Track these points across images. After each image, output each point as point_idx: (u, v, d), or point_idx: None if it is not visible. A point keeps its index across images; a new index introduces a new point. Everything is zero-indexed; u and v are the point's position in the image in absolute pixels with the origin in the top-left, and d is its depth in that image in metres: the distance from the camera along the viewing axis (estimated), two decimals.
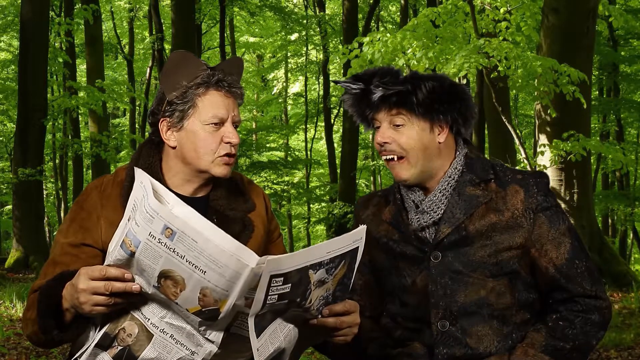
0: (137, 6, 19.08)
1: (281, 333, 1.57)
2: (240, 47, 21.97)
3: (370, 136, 18.75)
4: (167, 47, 17.13)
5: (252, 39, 22.66)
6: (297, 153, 21.97)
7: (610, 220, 18.79)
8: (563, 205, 7.11)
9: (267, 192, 15.06)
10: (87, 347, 1.61)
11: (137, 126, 18.61)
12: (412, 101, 1.86)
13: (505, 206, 1.89)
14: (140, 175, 1.56)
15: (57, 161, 17.17)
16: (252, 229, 1.90)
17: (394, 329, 1.98)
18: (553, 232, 1.88)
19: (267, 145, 21.53)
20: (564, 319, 1.86)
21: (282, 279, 1.44)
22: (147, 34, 19.54)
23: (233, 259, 1.42)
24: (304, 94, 20.99)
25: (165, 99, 1.82)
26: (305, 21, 19.06)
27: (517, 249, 1.87)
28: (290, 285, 1.46)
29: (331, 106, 18.71)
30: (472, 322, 1.87)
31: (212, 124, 1.80)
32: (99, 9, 13.68)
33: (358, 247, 1.58)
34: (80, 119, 16.84)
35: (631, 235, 17.87)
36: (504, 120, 7.39)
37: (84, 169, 17.52)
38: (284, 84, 22.24)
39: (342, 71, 14.61)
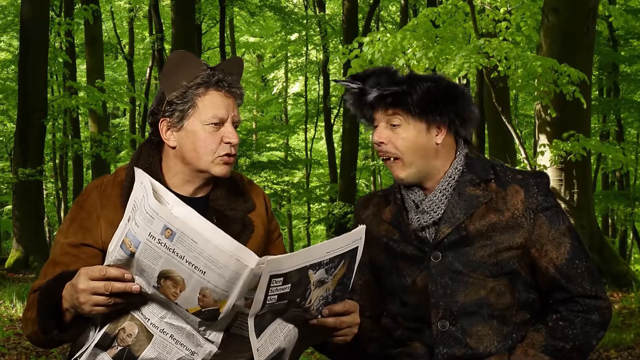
0: (137, 6, 19.08)
1: (281, 333, 1.57)
2: (240, 47, 21.97)
3: (370, 136, 18.65)
4: (167, 47, 17.13)
5: (252, 39, 22.66)
6: (297, 153, 21.97)
7: (610, 220, 18.79)
8: (563, 205, 7.11)
9: (267, 192, 15.06)
10: (87, 347, 1.61)
11: (137, 126, 18.62)
12: (408, 102, 1.86)
13: (506, 206, 1.89)
14: (140, 175, 1.56)
15: (57, 161, 17.17)
16: (252, 229, 1.90)
17: (394, 329, 1.98)
18: (553, 232, 1.88)
19: (267, 145, 21.53)
20: (564, 319, 1.86)
21: (281, 279, 1.44)
22: (147, 34, 19.54)
23: (232, 260, 1.42)
24: (304, 94, 21.00)
25: (165, 99, 1.82)
26: (305, 21, 19.07)
27: (517, 249, 1.87)
28: (290, 285, 1.46)
29: (331, 106, 18.71)
30: (472, 322, 1.87)
31: (212, 124, 1.80)
32: (99, 9, 13.68)
33: (357, 247, 1.58)
34: (80, 119, 16.84)
35: (631, 235, 17.88)
36: (504, 120, 7.39)
37: (84, 169, 17.52)
38: (284, 84, 22.24)
39: (342, 71, 14.60)
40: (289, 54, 21.49)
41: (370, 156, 19.69)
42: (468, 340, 1.86)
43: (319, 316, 1.60)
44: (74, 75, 15.17)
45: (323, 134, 19.54)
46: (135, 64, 20.07)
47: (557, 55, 7.02)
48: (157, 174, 1.84)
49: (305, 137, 20.35)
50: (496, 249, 1.87)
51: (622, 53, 16.09)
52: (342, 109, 17.43)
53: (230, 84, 1.82)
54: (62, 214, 17.46)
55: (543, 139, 7.52)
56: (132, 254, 1.49)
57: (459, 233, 1.88)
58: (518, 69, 6.52)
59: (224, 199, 1.89)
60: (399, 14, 18.51)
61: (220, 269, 1.42)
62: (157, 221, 1.44)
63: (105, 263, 1.58)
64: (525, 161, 7.16)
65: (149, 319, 1.58)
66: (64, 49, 14.31)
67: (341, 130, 18.17)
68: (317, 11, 18.87)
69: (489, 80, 6.97)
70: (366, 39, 6.85)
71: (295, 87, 22.77)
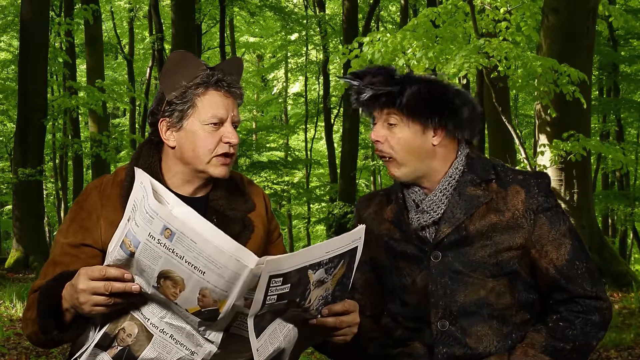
0: (137, 6, 19.09)
1: (281, 333, 1.57)
2: (240, 47, 21.97)
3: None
4: (167, 47, 17.13)
5: (252, 39, 22.66)
6: (297, 153, 21.97)
7: (610, 220, 18.79)
8: (563, 206, 7.10)
9: (267, 192, 15.06)
10: (87, 347, 1.61)
11: (137, 126, 18.62)
12: (399, 103, 1.87)
13: (506, 206, 1.89)
14: (140, 175, 1.56)
15: (57, 161, 17.17)
16: (252, 229, 1.90)
17: (394, 329, 1.98)
18: (554, 233, 1.88)
19: (267, 145, 21.53)
20: (564, 319, 1.86)
21: (281, 279, 1.44)
22: (147, 34, 19.54)
23: (232, 260, 1.42)
24: (304, 94, 21.00)
25: (164, 99, 1.82)
26: (305, 21, 19.07)
27: (517, 250, 1.87)
28: (289, 285, 1.46)
29: (331, 106, 18.71)
30: (471, 322, 1.87)
31: (211, 124, 1.80)
32: (99, 9, 13.69)
33: (357, 246, 1.58)
34: (80, 119, 16.84)
35: (631, 235, 17.88)
36: (504, 120, 7.39)
37: (84, 169, 17.52)
38: (284, 84, 22.24)
39: (342, 71, 14.60)
40: (289, 54, 21.49)
41: (370, 156, 19.69)
42: (468, 340, 1.86)
43: (319, 316, 1.60)
44: (74, 75, 15.17)
45: (323, 134, 19.54)
46: (135, 64, 20.07)
47: (557, 55, 7.02)
48: (157, 174, 1.84)
49: (305, 137, 20.35)
50: (496, 249, 1.87)
51: (622, 53, 16.09)
52: (342, 109, 17.43)
53: (230, 84, 1.82)
54: (62, 214, 17.46)
55: (543, 139, 7.52)
56: (132, 254, 1.49)
57: (459, 233, 1.88)
58: (518, 69, 6.52)
59: (223, 199, 1.89)
60: (399, 14, 18.51)
61: (220, 269, 1.43)
62: (157, 221, 1.44)
63: (105, 263, 1.58)
64: (525, 161, 7.16)
65: (148, 319, 1.58)
66: (64, 49, 14.31)
67: (341, 130, 18.17)
68: (317, 11, 18.87)
69: (489, 80, 6.97)
70: (366, 39, 6.85)
71: (295, 87, 22.77)
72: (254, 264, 1.42)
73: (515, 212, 1.88)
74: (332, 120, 18.33)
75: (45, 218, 15.83)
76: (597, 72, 15.76)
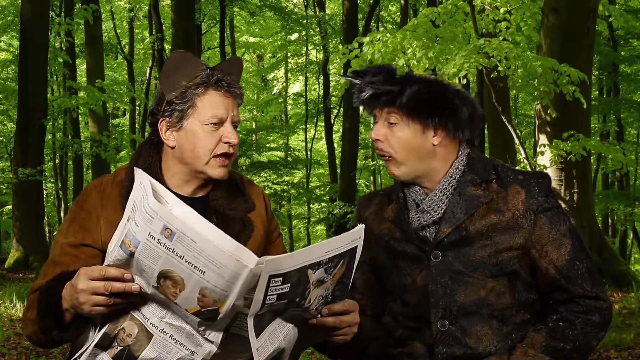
0: (137, 6, 19.09)
1: (280, 333, 1.57)
2: (240, 47, 21.97)
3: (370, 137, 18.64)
4: (167, 47, 17.13)
5: (252, 39, 22.66)
6: (297, 153, 21.97)
7: (610, 220, 18.79)
8: (563, 205, 7.10)
9: (267, 192, 15.06)
10: (87, 347, 1.61)
11: (137, 126, 18.62)
12: (399, 102, 1.87)
13: (506, 206, 1.89)
14: (140, 175, 1.56)
15: (57, 161, 17.17)
16: (252, 229, 1.90)
17: (394, 328, 1.98)
18: (554, 233, 1.88)
19: (267, 145, 21.54)
20: (565, 319, 1.86)
21: (281, 279, 1.44)
22: (147, 34, 19.54)
23: (232, 260, 1.42)
24: (304, 94, 21.00)
25: (164, 99, 1.82)
26: (305, 21, 19.07)
27: (518, 250, 1.87)
28: (289, 285, 1.46)
29: (331, 106, 18.71)
30: (471, 321, 1.87)
31: (211, 124, 1.80)
32: (99, 9, 13.69)
33: (357, 246, 1.58)
34: (80, 119, 16.85)
35: (631, 235, 17.88)
36: (504, 120, 7.38)
37: (84, 169, 17.53)
38: (284, 84, 22.24)
39: (342, 71, 14.61)
40: (289, 54, 21.49)
41: (370, 156, 19.69)
42: (468, 340, 1.86)
43: (319, 316, 1.60)
44: (74, 75, 15.17)
45: (323, 134, 19.54)
46: (135, 64, 20.07)
47: (557, 55, 7.02)
48: (157, 174, 1.84)
49: (305, 137, 20.35)
50: (496, 249, 1.87)
51: (622, 53, 16.09)
52: (342, 109, 17.42)
53: (230, 84, 1.82)
54: (62, 214, 17.46)
55: (543, 139, 7.52)
56: (132, 254, 1.49)
57: (459, 233, 1.88)
58: (518, 69, 6.52)
59: (223, 199, 1.89)
60: (399, 14, 18.51)
61: (220, 268, 1.43)
62: (157, 221, 1.44)
63: (104, 263, 1.58)
64: (525, 161, 7.16)
65: (148, 319, 1.58)
66: (64, 49, 14.31)
67: (341, 130, 18.17)
68: (317, 11, 18.87)
69: (489, 80, 6.97)
70: (366, 39, 6.85)
71: (295, 87, 22.77)
72: (254, 263, 1.42)
73: (516, 212, 1.88)
74: (332, 120, 18.33)
75: (45, 218, 15.84)
76: (597, 72, 15.76)
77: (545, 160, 7.18)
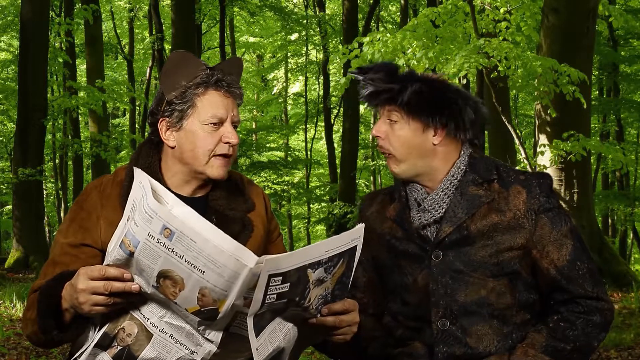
0: (137, 6, 19.09)
1: (280, 332, 1.57)
2: (240, 47, 21.97)
3: (370, 136, 18.74)
4: (167, 47, 17.13)
5: (252, 39, 22.66)
6: (297, 153, 21.97)
7: (610, 220, 18.79)
8: (563, 205, 7.10)
9: (267, 192, 15.06)
10: (87, 347, 1.61)
11: (137, 126, 18.62)
12: (399, 100, 1.87)
13: (507, 207, 1.89)
14: (140, 175, 1.56)
15: (57, 161, 17.17)
16: (252, 229, 1.90)
17: (395, 328, 1.98)
18: (555, 234, 1.88)
19: (267, 145, 21.53)
20: (565, 320, 1.86)
21: (280, 278, 1.44)
22: (147, 34, 19.54)
23: (232, 259, 1.42)
24: (304, 94, 21.00)
25: (164, 99, 1.82)
26: (305, 21, 19.06)
27: (518, 250, 1.87)
28: (288, 284, 1.46)
29: (331, 106, 18.71)
30: (472, 321, 1.87)
31: (211, 124, 1.80)
32: (99, 9, 13.68)
33: (356, 245, 1.58)
34: (80, 119, 16.84)
35: (631, 235, 17.88)
36: (504, 120, 7.38)
37: (84, 169, 17.53)
38: (284, 84, 22.24)
39: (342, 71, 14.62)
40: (289, 54, 21.49)
41: (370, 156, 19.69)
42: (468, 340, 1.86)
43: (318, 315, 1.60)
44: (74, 75, 15.17)
45: (323, 134, 19.54)
46: (135, 64, 20.07)
47: (557, 55, 7.02)
48: (157, 174, 1.84)
49: (305, 137, 20.35)
50: (497, 249, 1.87)
51: (622, 53, 16.09)
52: (342, 109, 17.42)
53: (230, 84, 1.82)
54: (62, 214, 17.46)
55: (543, 139, 7.52)
56: (132, 254, 1.49)
57: (460, 232, 1.88)
58: (518, 69, 6.52)
59: (223, 199, 1.89)
60: (399, 14, 18.51)
61: (220, 268, 1.43)
62: (156, 221, 1.44)
63: (104, 263, 1.58)
64: (525, 161, 7.16)
65: (148, 319, 1.58)
66: (64, 49, 14.31)
67: (341, 130, 18.17)
68: (317, 11, 18.87)
69: (489, 80, 6.97)
70: (366, 39, 6.85)
71: (295, 87, 22.77)
72: (254, 263, 1.42)
73: (517, 212, 1.88)
74: (332, 120, 18.33)
75: (45, 218, 15.84)
76: (597, 72, 15.76)
77: (545, 160, 7.18)
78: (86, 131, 17.05)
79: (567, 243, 1.88)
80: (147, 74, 18.87)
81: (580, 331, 1.85)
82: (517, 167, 4.50)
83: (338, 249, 1.52)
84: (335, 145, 18.71)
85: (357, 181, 17.81)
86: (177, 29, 12.85)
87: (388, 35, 6.76)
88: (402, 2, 16.35)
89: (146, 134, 9.31)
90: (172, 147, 1.84)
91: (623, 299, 7.16)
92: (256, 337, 1.50)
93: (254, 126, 22.24)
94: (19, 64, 11.53)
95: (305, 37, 19.56)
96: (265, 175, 19.22)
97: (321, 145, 22.23)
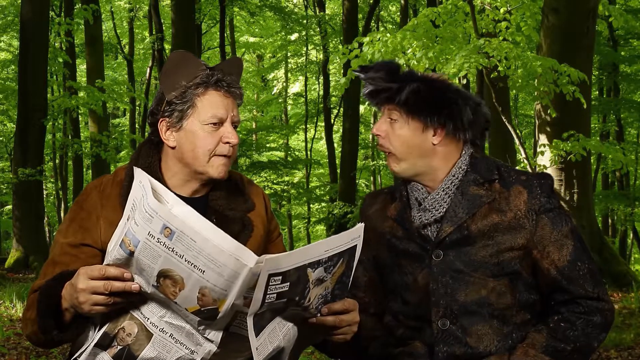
0: (137, 6, 19.09)
1: (280, 332, 1.57)
2: (240, 47, 21.97)
3: (370, 136, 18.76)
4: (167, 47, 17.13)
5: (252, 39, 22.66)
6: (297, 153, 21.97)
7: (610, 220, 18.79)
8: (563, 206, 7.10)
9: (267, 192, 15.06)
10: (87, 347, 1.61)
11: (137, 126, 18.62)
12: (398, 100, 1.87)
13: (508, 207, 1.89)
14: (140, 174, 1.56)
15: (57, 161, 17.18)
16: (252, 229, 1.90)
17: (395, 328, 1.98)
18: (555, 234, 1.88)
19: (267, 145, 21.53)
20: (566, 320, 1.86)
21: (280, 277, 1.44)
22: (147, 34, 19.55)
23: (232, 259, 1.42)
24: (304, 94, 21.00)
25: (164, 99, 1.82)
26: (305, 21, 19.07)
27: (519, 250, 1.87)
28: (288, 284, 1.46)
29: (331, 106, 18.71)
30: (472, 321, 1.87)
31: (211, 124, 1.80)
32: (99, 9, 13.69)
33: (356, 245, 1.57)
34: (80, 119, 16.85)
35: (631, 235, 17.88)
36: (504, 120, 7.38)
37: (84, 169, 17.53)
38: (284, 84, 22.24)
39: (342, 71, 14.61)
40: (289, 54, 21.49)
41: (370, 156, 19.70)
42: (468, 339, 1.86)
43: (318, 315, 1.60)
44: (74, 75, 15.17)
45: (323, 134, 19.54)
46: (135, 64, 20.07)
47: (557, 55, 7.02)
48: (157, 174, 1.84)
49: (305, 137, 20.35)
50: (498, 249, 1.87)
51: (622, 53, 16.09)
52: (342, 109, 17.42)
53: (230, 84, 1.82)
54: (62, 214, 17.46)
55: (543, 139, 7.52)
56: (132, 253, 1.49)
57: (460, 232, 1.88)
58: (518, 69, 6.52)
59: (223, 199, 1.89)
60: (399, 14, 18.51)
61: (220, 267, 1.43)
62: (156, 220, 1.44)
63: (104, 262, 1.58)
64: (525, 161, 7.16)
65: (148, 318, 1.58)
66: (64, 49, 14.31)
67: (341, 130, 18.17)
68: (317, 11, 18.87)
69: (489, 80, 6.97)
70: (366, 39, 6.85)
71: (295, 87, 22.77)
72: (254, 262, 1.42)
73: (518, 212, 1.88)
74: (332, 120, 18.33)
75: (45, 218, 15.84)
76: (597, 72, 15.77)
77: (545, 160, 7.18)
78: (86, 131, 17.06)
79: (568, 243, 1.88)
80: (147, 74, 18.87)
81: (580, 331, 1.85)
82: (517, 167, 4.50)
83: (338, 248, 1.52)
84: (335, 145, 18.72)
85: (357, 181, 17.81)
86: (177, 29, 12.85)
87: (388, 35, 6.76)
88: (402, 2, 16.35)
89: (146, 134, 9.31)
90: (172, 147, 1.84)
91: (623, 299, 7.16)
92: (256, 337, 1.50)
93: (254, 126, 22.24)
94: (19, 64, 11.53)
95: (305, 37, 19.56)
96: (265, 175, 19.23)
97: (321, 145, 22.23)
